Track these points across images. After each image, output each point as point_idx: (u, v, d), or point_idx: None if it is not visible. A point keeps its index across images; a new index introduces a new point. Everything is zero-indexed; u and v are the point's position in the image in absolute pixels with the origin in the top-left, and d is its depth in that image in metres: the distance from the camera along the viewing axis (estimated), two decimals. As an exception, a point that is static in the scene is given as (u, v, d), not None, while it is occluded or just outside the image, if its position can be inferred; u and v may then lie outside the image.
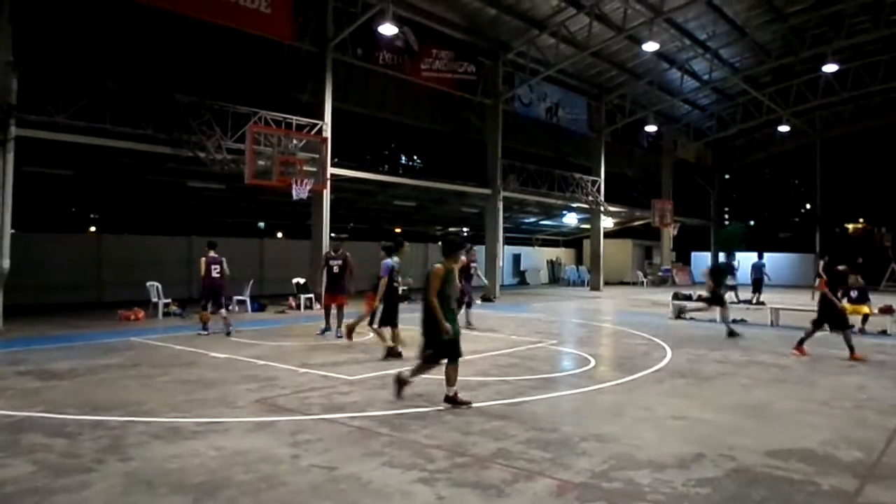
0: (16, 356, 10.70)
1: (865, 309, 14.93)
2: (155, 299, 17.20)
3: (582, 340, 13.95)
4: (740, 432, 6.45)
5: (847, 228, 51.21)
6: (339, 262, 13.19)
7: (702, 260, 43.11)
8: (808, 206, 53.89)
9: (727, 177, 48.89)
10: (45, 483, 4.85)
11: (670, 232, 37.24)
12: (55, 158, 17.31)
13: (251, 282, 19.71)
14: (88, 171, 19.21)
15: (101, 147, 16.00)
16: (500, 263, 27.46)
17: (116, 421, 6.56)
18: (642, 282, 37.27)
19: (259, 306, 19.16)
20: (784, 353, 11.72)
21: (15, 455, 5.46)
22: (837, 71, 28.12)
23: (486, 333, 14.46)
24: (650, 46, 23.70)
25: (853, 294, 14.96)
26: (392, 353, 10.57)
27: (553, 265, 41.78)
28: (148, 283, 17.53)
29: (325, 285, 13.56)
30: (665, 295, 22.44)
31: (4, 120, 13.97)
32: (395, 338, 10.73)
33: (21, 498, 4.56)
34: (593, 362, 10.72)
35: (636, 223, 38.92)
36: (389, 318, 10.75)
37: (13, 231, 14.55)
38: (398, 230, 38.72)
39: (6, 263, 14.09)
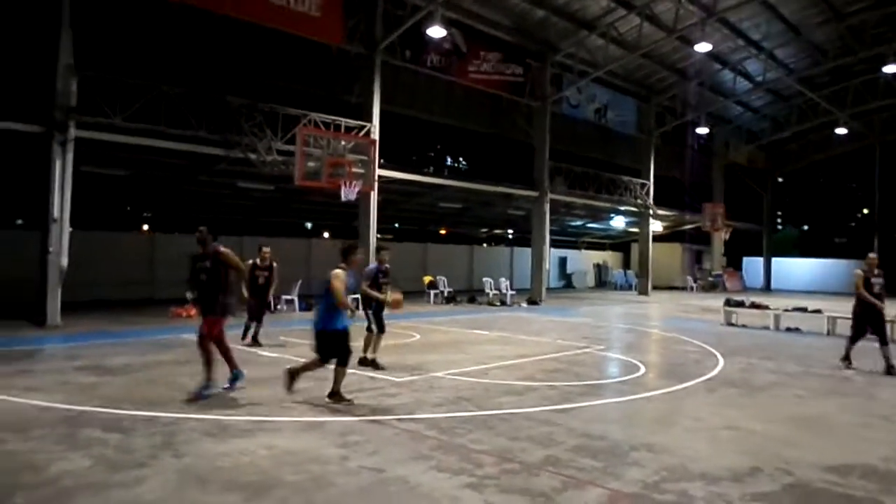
0: (73, 351, 11.03)
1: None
2: (206, 297, 17.48)
3: (630, 346, 13.74)
4: (796, 445, 6.25)
5: (907, 234, 49.42)
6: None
7: (754, 265, 42.18)
8: (865, 210, 52.18)
9: (780, 180, 47.56)
10: (101, 478, 4.96)
11: (722, 236, 36.52)
12: (111, 159, 17.77)
13: (299, 281, 19.96)
14: (143, 171, 19.67)
15: (156, 148, 16.36)
16: (547, 266, 27.26)
17: (169, 417, 6.69)
18: (692, 287, 36.56)
19: (306, 306, 19.36)
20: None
21: (72, 449, 5.60)
22: (899, 71, 27.16)
23: (532, 338, 14.36)
24: (702, 47, 23.22)
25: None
26: (369, 363, 9.84)
27: (600, 269, 41.34)
28: (199, 282, 17.85)
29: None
30: (716, 301, 21.98)
31: (65, 121, 14.42)
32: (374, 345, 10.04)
33: (79, 492, 4.67)
34: (643, 369, 10.54)
35: (686, 227, 38.24)
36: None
37: (71, 229, 14.99)
38: (443, 231, 38.81)
39: (65, 261, 14.54)
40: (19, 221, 25.84)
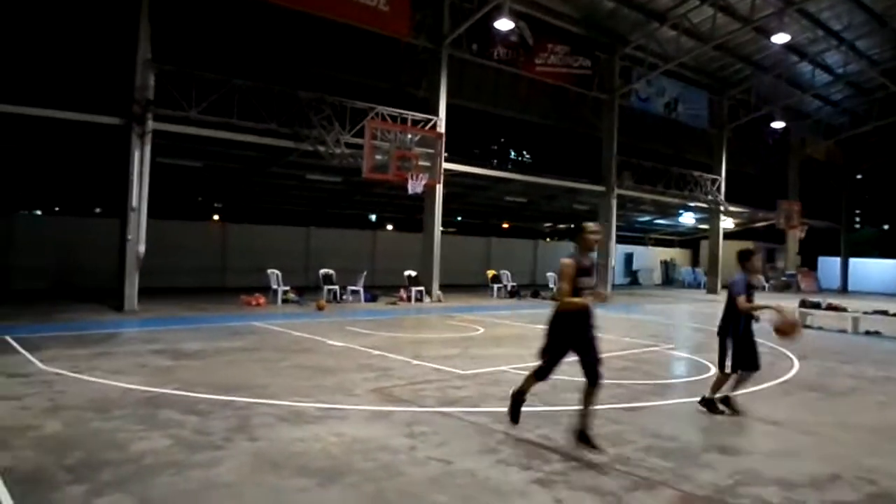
0: (150, 335, 11.45)
1: None
2: (275, 286, 17.93)
3: (700, 346, 13.40)
4: (879, 454, 5.99)
5: None
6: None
7: (830, 265, 40.60)
8: (951, 209, 49.65)
9: (859, 177, 45.64)
10: (180, 457, 5.13)
11: (797, 235, 35.24)
12: (186, 150, 18.33)
13: (364, 273, 20.22)
14: (215, 162, 20.23)
15: (228, 140, 16.81)
16: (612, 263, 26.87)
17: (243, 402, 6.86)
18: (764, 286, 35.39)
19: (371, 297, 19.62)
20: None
21: (153, 429, 5.81)
22: None
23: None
24: (779, 38, 22.42)
25: None
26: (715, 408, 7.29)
27: (667, 266, 40.52)
28: (268, 271, 18.32)
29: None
30: (789, 301, 21.21)
31: (143, 114, 14.95)
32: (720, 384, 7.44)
33: (161, 469, 4.84)
34: (713, 369, 10.26)
35: (759, 224, 37.08)
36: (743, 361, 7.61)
37: (148, 218, 15.54)
38: (506, 225, 38.65)
39: (143, 248, 15.08)
40: (98, 210, 26.95)
